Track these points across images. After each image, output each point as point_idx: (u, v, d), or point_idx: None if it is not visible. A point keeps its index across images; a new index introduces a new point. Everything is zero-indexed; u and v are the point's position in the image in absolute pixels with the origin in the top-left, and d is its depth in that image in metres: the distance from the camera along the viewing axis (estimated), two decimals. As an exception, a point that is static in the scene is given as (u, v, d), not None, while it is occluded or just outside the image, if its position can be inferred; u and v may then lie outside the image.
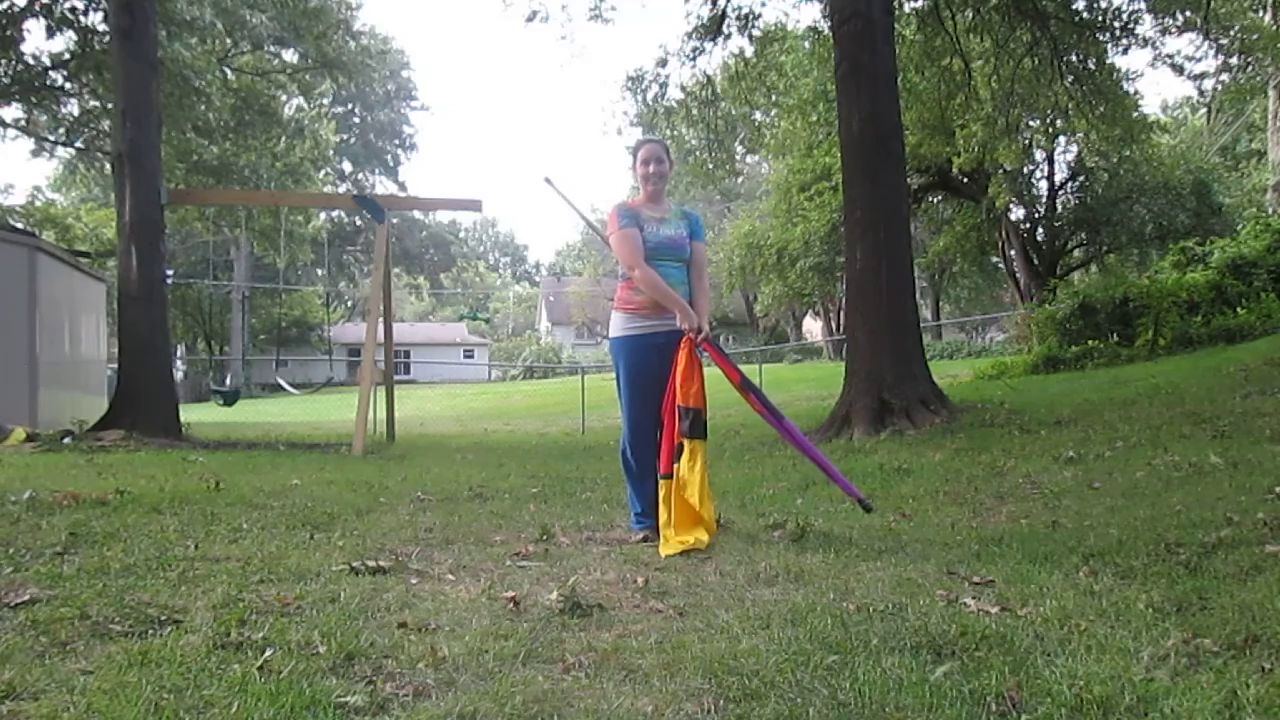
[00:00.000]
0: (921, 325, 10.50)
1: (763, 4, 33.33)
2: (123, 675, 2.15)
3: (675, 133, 16.00)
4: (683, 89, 15.33)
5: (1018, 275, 23.66)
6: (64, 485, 5.20)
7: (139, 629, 2.54)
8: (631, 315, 4.11)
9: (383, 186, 53.71)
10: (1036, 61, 12.95)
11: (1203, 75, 18.41)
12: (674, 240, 4.11)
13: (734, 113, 16.18)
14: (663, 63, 14.95)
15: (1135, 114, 15.86)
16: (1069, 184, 23.90)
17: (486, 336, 55.31)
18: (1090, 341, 13.24)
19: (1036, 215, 24.12)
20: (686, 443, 3.89)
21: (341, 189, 47.83)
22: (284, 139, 23.67)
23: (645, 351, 4.07)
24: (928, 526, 4.38)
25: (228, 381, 32.08)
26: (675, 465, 3.90)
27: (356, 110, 52.46)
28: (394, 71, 50.93)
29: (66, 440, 9.08)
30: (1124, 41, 13.47)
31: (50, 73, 18.05)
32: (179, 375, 38.72)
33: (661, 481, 3.94)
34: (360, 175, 54.02)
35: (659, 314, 4.06)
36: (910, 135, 15.47)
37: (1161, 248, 20.75)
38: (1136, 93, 18.54)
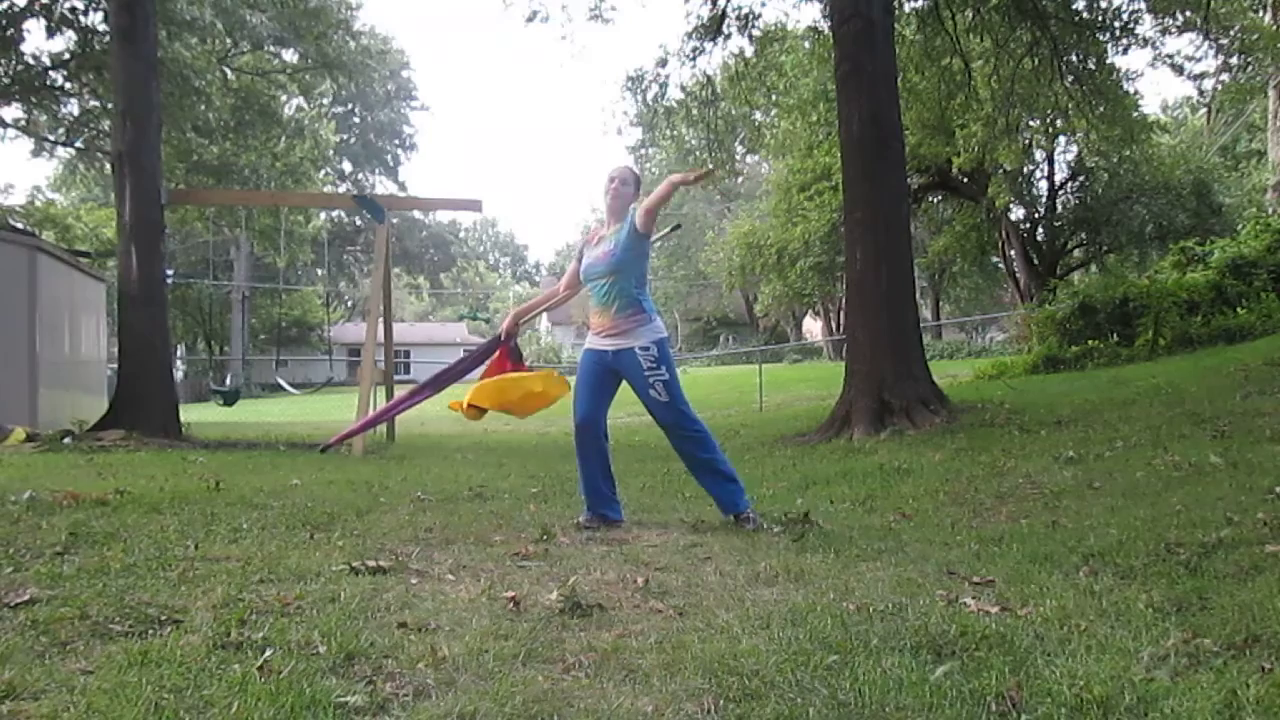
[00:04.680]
0: (921, 325, 10.50)
1: (763, 4, 33.30)
2: (123, 675, 2.14)
3: (675, 133, 16.03)
4: (683, 89, 15.35)
5: (1018, 275, 23.65)
6: (64, 485, 5.20)
7: (139, 629, 2.54)
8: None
9: (383, 186, 53.67)
10: (1036, 61, 12.95)
11: (1203, 75, 18.49)
12: (598, 259, 4.34)
13: (734, 113, 16.17)
14: (663, 63, 14.97)
15: (1135, 114, 15.88)
16: (1069, 184, 23.89)
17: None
18: (1090, 341, 13.23)
19: (1036, 215, 24.12)
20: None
21: (341, 189, 47.79)
22: (284, 139, 23.68)
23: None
24: (928, 526, 4.37)
25: (228, 381, 32.05)
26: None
27: (356, 110, 52.39)
28: (394, 71, 50.87)
29: (66, 440, 9.07)
30: (1124, 41, 13.50)
31: (50, 73, 18.05)
32: (179, 375, 38.69)
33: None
34: (360, 175, 53.98)
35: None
36: (910, 135, 15.47)
37: (1161, 248, 20.76)
38: (1136, 93, 18.53)
